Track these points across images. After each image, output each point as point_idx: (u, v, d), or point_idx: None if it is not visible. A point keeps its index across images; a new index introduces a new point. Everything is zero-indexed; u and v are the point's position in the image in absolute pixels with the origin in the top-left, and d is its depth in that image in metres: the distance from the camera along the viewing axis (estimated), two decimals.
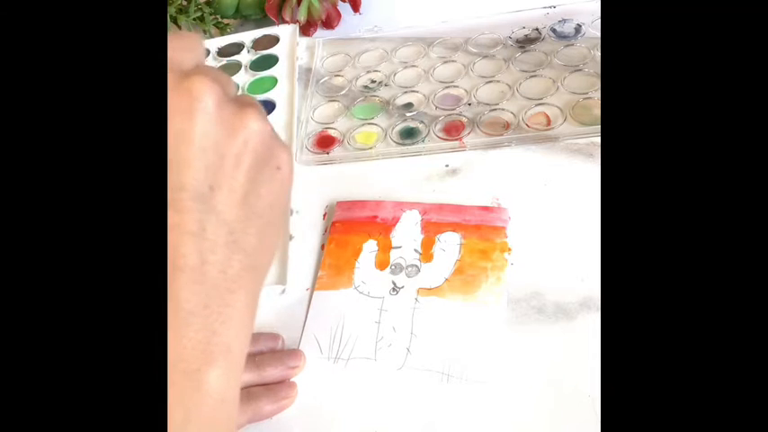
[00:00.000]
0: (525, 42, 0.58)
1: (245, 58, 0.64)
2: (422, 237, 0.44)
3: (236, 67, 0.63)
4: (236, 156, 0.25)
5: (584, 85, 0.52)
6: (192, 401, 0.24)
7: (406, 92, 0.57)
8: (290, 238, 0.47)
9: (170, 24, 0.69)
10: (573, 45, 0.56)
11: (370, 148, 0.52)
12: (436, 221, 0.45)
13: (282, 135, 0.55)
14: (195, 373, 0.24)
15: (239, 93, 0.29)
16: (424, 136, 0.52)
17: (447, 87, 0.56)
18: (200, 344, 0.24)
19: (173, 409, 0.24)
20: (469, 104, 0.54)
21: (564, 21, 0.59)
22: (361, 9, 0.67)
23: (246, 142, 0.26)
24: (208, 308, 0.25)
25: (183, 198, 0.24)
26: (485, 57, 0.58)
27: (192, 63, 0.26)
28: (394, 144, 0.52)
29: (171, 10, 0.69)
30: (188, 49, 0.26)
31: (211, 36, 0.69)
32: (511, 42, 0.58)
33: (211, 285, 0.25)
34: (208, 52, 0.66)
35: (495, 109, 0.52)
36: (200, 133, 0.25)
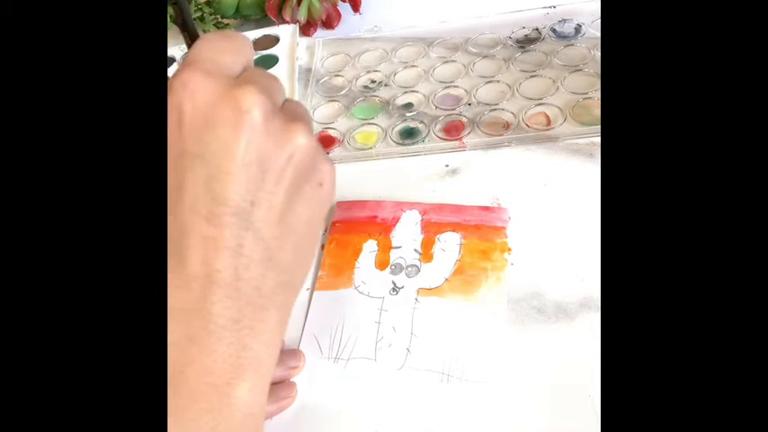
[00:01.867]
0: (525, 42, 0.58)
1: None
2: (422, 237, 0.44)
3: None
4: (280, 171, 0.25)
5: (584, 85, 0.52)
6: (221, 415, 0.24)
7: (406, 92, 0.57)
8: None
9: (170, 24, 0.69)
10: (573, 45, 0.56)
11: (370, 148, 0.52)
12: (436, 221, 0.45)
13: None
14: (225, 386, 0.24)
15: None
16: (424, 136, 0.52)
17: (447, 87, 0.56)
18: (230, 357, 0.24)
19: (201, 421, 0.24)
20: (469, 104, 0.53)
21: (564, 21, 0.59)
22: (361, 9, 0.67)
23: (291, 157, 0.25)
24: (239, 323, 0.25)
25: (223, 213, 0.24)
26: (485, 57, 0.58)
27: (241, 66, 0.26)
28: (394, 144, 0.52)
29: (171, 10, 0.69)
30: (236, 52, 0.26)
31: None
32: (511, 42, 0.58)
33: (245, 302, 0.25)
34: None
35: (495, 109, 0.52)
36: (245, 147, 0.24)
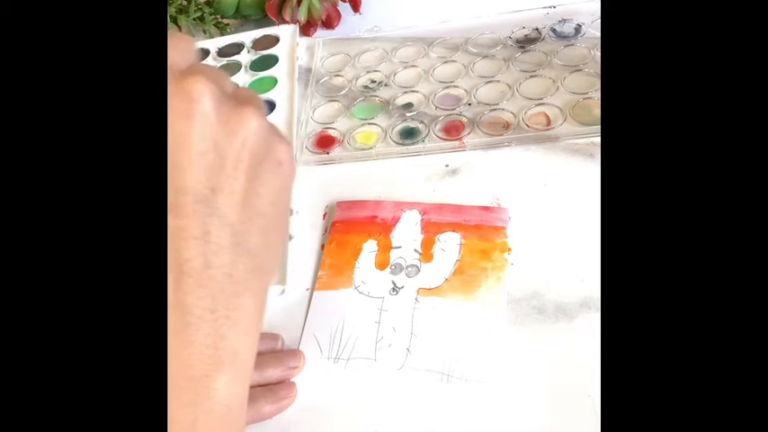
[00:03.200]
0: (525, 42, 0.58)
1: (245, 58, 0.64)
2: (422, 237, 0.44)
3: (236, 68, 0.63)
4: (236, 156, 0.25)
5: (584, 85, 0.52)
6: (200, 408, 0.24)
7: (406, 92, 0.57)
8: (290, 238, 0.47)
9: (170, 24, 0.69)
10: (573, 45, 0.56)
11: (370, 148, 0.52)
12: (436, 221, 0.45)
13: None
14: (203, 379, 0.24)
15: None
16: (424, 136, 0.52)
17: (447, 87, 0.56)
18: (207, 349, 0.24)
19: (180, 415, 0.24)
20: (469, 104, 0.53)
21: (564, 21, 0.59)
22: (361, 9, 0.67)
23: (245, 141, 0.25)
24: (215, 312, 0.25)
25: (186, 202, 0.24)
26: (485, 57, 0.58)
27: (186, 64, 0.26)
28: (394, 144, 0.52)
29: (171, 10, 0.69)
30: (182, 50, 0.26)
31: (211, 36, 0.69)
32: (511, 42, 0.58)
33: (218, 289, 0.25)
34: (207, 53, 0.66)
35: (495, 109, 0.52)
36: (199, 135, 0.24)
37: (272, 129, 0.27)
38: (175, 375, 0.24)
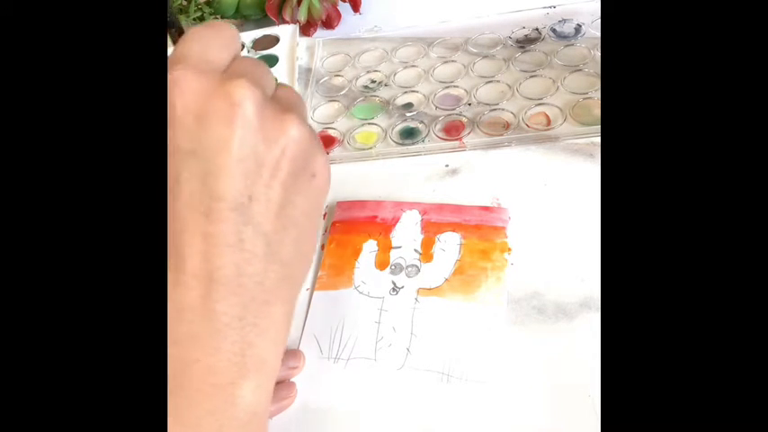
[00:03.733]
0: (525, 42, 0.58)
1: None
2: (422, 237, 0.44)
3: None
4: (275, 164, 0.25)
5: (584, 85, 0.52)
6: (224, 416, 0.24)
7: (406, 92, 0.57)
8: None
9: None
10: (573, 45, 0.56)
11: (370, 148, 0.52)
12: (436, 221, 0.45)
13: None
14: (229, 386, 0.24)
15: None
16: (424, 136, 0.52)
17: (447, 87, 0.56)
18: (235, 356, 0.24)
19: (204, 422, 0.23)
20: (469, 104, 0.53)
21: (564, 21, 0.59)
22: (361, 9, 0.67)
23: (285, 150, 0.25)
24: (244, 320, 0.24)
25: (222, 208, 0.24)
26: (485, 57, 0.58)
27: (229, 57, 0.26)
28: (394, 144, 0.52)
29: None
30: (223, 44, 0.26)
31: None
32: (511, 42, 0.58)
33: (249, 298, 0.24)
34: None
35: (495, 109, 0.52)
36: (240, 142, 0.24)
37: (313, 138, 0.26)
38: (201, 382, 0.24)
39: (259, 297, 0.25)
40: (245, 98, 0.24)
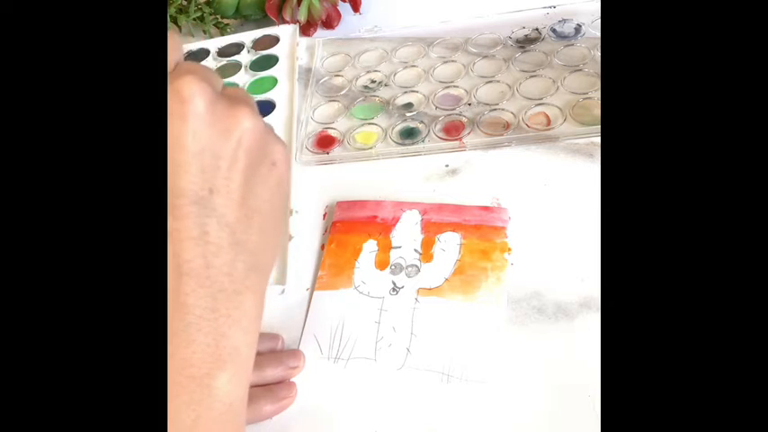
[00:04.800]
0: (525, 42, 0.58)
1: (245, 58, 0.64)
2: (422, 237, 0.44)
3: (236, 68, 0.63)
4: (232, 156, 0.25)
5: (584, 85, 0.52)
6: (201, 406, 0.24)
7: (406, 92, 0.56)
8: (290, 238, 0.47)
9: (170, 24, 0.69)
10: (573, 45, 0.56)
11: (370, 148, 0.52)
12: (436, 221, 0.45)
13: (282, 135, 0.55)
14: (205, 377, 0.24)
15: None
16: (424, 136, 0.52)
17: (447, 87, 0.56)
18: (208, 347, 0.24)
19: (182, 413, 0.24)
20: (469, 104, 0.53)
21: (564, 21, 0.59)
22: (361, 9, 0.67)
23: (240, 141, 0.25)
24: (216, 311, 0.25)
25: (183, 204, 0.24)
26: (485, 57, 0.58)
27: (173, 63, 0.26)
28: (394, 144, 0.52)
29: (171, 10, 0.69)
30: (169, 49, 0.26)
31: (211, 36, 0.69)
32: (511, 42, 0.58)
33: (218, 288, 0.25)
34: (207, 53, 0.66)
35: (495, 109, 0.52)
36: (193, 136, 0.24)
37: (267, 129, 0.27)
38: (177, 374, 0.24)
39: (229, 288, 0.25)
40: (194, 94, 0.24)
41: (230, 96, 0.26)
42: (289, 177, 0.28)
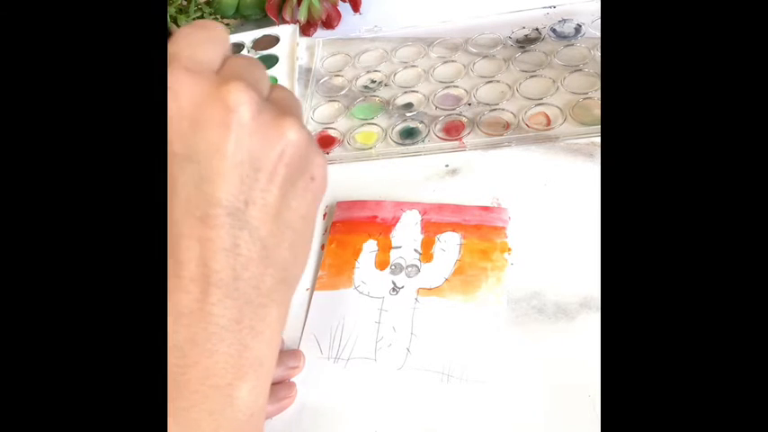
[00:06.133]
0: (525, 42, 0.58)
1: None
2: (422, 237, 0.44)
3: None
4: (272, 168, 0.24)
5: (584, 85, 0.52)
6: (222, 416, 0.24)
7: (406, 92, 0.57)
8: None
9: (170, 24, 0.69)
10: (573, 45, 0.56)
11: (370, 148, 0.52)
12: (436, 221, 0.45)
13: None
14: (226, 387, 0.24)
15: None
16: (424, 136, 0.52)
17: (447, 87, 0.56)
18: (231, 358, 0.24)
19: (202, 423, 0.24)
20: (469, 104, 0.53)
21: (564, 21, 0.59)
22: (361, 9, 0.67)
23: (282, 154, 0.25)
24: (240, 323, 0.24)
25: (218, 214, 0.24)
26: (485, 57, 0.58)
27: (221, 56, 0.25)
28: (394, 144, 0.52)
29: (171, 10, 0.69)
30: (213, 42, 0.25)
31: None
32: (511, 42, 0.58)
33: (245, 301, 0.25)
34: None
35: (495, 109, 0.52)
36: (235, 146, 0.23)
37: (310, 141, 0.26)
38: (199, 384, 0.24)
39: (255, 300, 0.25)
40: (241, 102, 0.23)
41: (278, 103, 0.25)
42: (324, 192, 0.27)
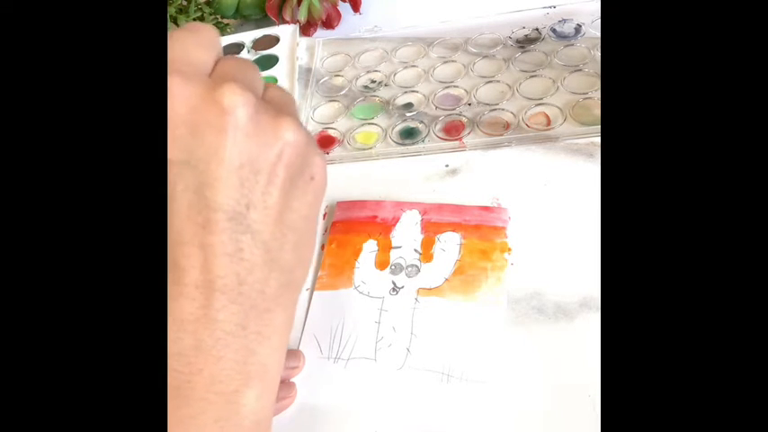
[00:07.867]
0: (525, 42, 0.58)
1: (245, 58, 0.64)
2: (422, 237, 0.44)
3: None
4: (271, 170, 0.24)
5: (584, 85, 0.52)
6: (229, 423, 0.24)
7: (406, 92, 0.56)
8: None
9: (170, 24, 0.69)
10: (573, 45, 0.56)
11: (370, 148, 0.52)
12: (436, 221, 0.45)
13: None
14: (232, 394, 0.24)
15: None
16: (424, 136, 0.52)
17: (447, 87, 0.56)
18: (237, 364, 0.24)
19: (210, 430, 0.23)
20: (469, 104, 0.53)
21: (564, 21, 0.59)
22: (361, 9, 0.67)
23: (281, 155, 0.24)
24: (246, 328, 0.24)
25: (219, 219, 0.23)
26: (485, 57, 0.58)
27: (213, 58, 0.25)
28: (394, 144, 0.52)
29: (171, 10, 0.69)
30: (206, 45, 0.25)
31: None
32: (511, 42, 0.58)
33: (250, 305, 0.24)
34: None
35: (495, 109, 0.52)
36: (233, 149, 0.23)
37: (309, 141, 0.25)
38: (205, 390, 0.23)
39: (260, 305, 0.25)
40: (237, 105, 0.23)
41: (273, 103, 0.25)
42: (324, 191, 0.27)
